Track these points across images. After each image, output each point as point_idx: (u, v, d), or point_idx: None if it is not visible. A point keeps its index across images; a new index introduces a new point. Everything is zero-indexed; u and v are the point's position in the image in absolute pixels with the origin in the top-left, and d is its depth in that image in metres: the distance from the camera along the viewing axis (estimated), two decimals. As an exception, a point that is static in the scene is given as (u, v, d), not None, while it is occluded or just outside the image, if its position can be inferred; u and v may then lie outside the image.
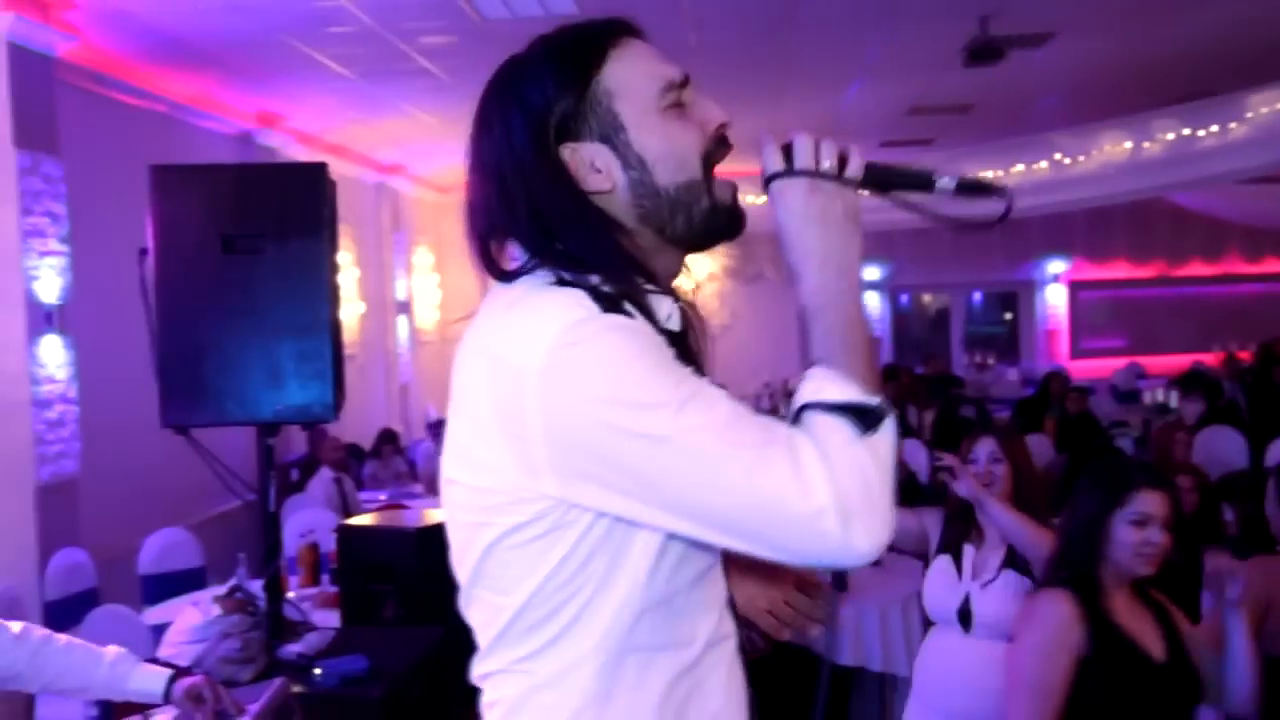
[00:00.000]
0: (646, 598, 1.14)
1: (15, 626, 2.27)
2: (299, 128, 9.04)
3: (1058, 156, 9.64)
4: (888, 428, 1.08)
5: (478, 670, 1.22)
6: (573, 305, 1.10)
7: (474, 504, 1.16)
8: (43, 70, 5.46)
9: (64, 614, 4.84)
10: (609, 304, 1.11)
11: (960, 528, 3.24)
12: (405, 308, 11.81)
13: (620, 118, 1.19)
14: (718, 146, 1.23)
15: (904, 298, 15.52)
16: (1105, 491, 2.45)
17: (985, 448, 3.26)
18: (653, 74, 1.21)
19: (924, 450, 7.17)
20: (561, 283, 1.14)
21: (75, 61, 6.04)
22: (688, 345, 1.24)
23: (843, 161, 1.19)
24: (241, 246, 3.08)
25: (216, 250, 3.07)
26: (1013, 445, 3.30)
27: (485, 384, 1.12)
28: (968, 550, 3.19)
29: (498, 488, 1.13)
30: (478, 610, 1.21)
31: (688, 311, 1.26)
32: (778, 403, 10.56)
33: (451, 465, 1.20)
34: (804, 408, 1.09)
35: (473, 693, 1.25)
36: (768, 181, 1.20)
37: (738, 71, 7.71)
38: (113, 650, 2.33)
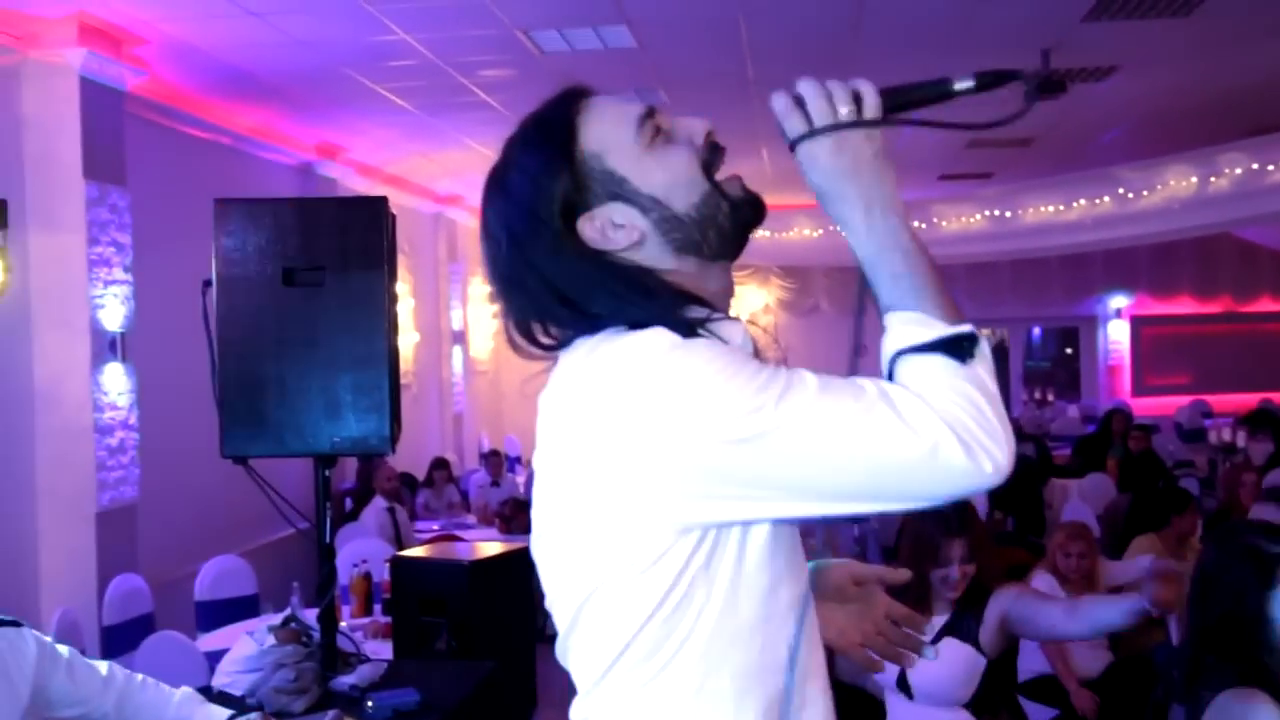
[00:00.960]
0: (745, 619, 1.15)
1: (101, 667, 2.34)
2: (359, 159, 9.17)
3: (1121, 191, 9.49)
4: (983, 351, 1.11)
5: (578, 713, 1.24)
6: (655, 340, 1.12)
7: (577, 550, 1.18)
8: (113, 104, 5.59)
9: (121, 639, 4.88)
10: (688, 332, 1.13)
11: (904, 597, 3.12)
12: (460, 338, 11.90)
13: (617, 171, 1.22)
14: (712, 153, 1.25)
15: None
16: (1248, 573, 2.24)
17: (957, 551, 3.09)
18: (623, 119, 1.24)
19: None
20: (635, 326, 1.15)
21: (144, 95, 6.18)
22: None
23: (858, 99, 1.19)
24: (302, 279, 3.11)
25: (277, 282, 3.11)
26: (977, 540, 3.16)
27: (579, 433, 1.14)
28: None
29: (605, 530, 1.14)
30: (579, 653, 1.22)
31: (755, 335, 1.27)
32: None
33: (546, 517, 1.22)
34: (897, 355, 1.11)
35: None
36: (793, 146, 1.21)
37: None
38: (181, 690, 2.44)
